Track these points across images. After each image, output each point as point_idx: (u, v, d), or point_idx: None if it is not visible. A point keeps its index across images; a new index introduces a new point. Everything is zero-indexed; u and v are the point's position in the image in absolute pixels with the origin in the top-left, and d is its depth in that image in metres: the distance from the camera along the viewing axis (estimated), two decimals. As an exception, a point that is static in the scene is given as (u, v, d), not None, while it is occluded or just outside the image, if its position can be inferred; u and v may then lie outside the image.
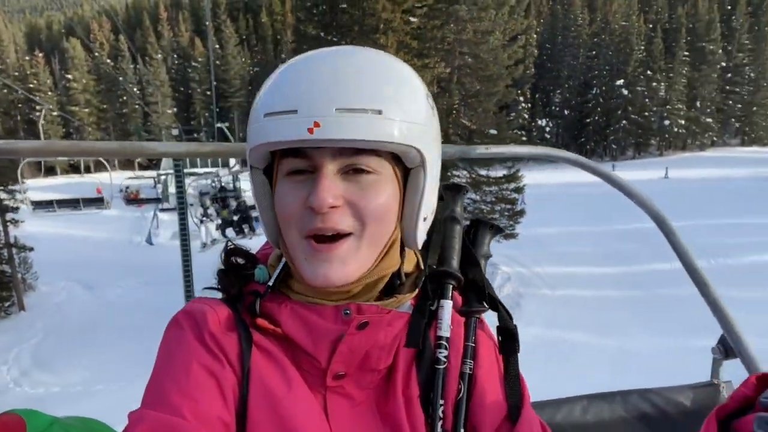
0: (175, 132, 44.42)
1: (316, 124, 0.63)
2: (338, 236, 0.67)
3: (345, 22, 18.96)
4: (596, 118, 61.74)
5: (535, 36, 66.70)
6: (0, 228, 21.29)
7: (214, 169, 24.95)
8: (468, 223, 0.86)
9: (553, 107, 66.15)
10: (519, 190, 19.84)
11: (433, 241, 0.81)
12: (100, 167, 60.72)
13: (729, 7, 66.21)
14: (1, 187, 21.17)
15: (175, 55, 75.44)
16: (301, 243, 0.69)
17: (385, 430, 0.72)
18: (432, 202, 0.75)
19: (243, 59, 72.44)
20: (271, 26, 78.40)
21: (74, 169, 49.81)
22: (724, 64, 62.03)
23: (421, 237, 0.75)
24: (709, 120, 62.07)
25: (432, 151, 0.72)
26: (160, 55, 71.55)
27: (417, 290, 0.77)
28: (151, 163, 40.83)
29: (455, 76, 19.30)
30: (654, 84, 58.69)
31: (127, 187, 36.53)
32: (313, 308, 0.71)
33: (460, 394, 0.73)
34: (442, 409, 0.71)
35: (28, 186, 23.36)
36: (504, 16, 17.99)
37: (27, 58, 65.23)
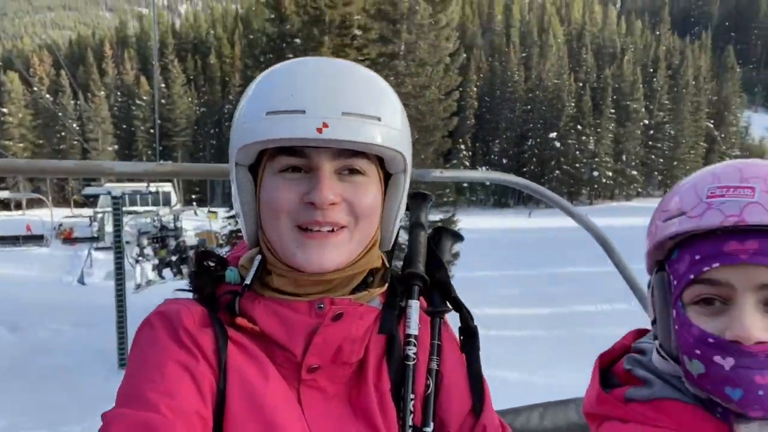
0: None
1: (325, 125, 0.67)
2: (334, 229, 0.71)
3: (290, 72, 19.81)
4: (532, 167, 65.01)
5: (475, 89, 70.47)
6: None
7: (154, 208, 24.63)
8: (432, 230, 0.91)
9: (492, 156, 69.21)
10: (455, 235, 20.78)
11: (398, 245, 0.85)
12: (32, 204, 58.22)
13: (651, 70, 72.31)
14: None
15: (119, 93, 74.20)
16: (293, 232, 0.72)
17: (358, 422, 0.74)
18: (404, 206, 0.81)
19: (189, 99, 72.24)
20: (220, 68, 78.93)
21: (4, 205, 47.56)
22: (646, 121, 67.20)
23: (394, 238, 0.82)
24: (635, 172, 66.55)
25: (410, 159, 0.78)
26: (102, 92, 70.24)
27: (386, 286, 0.81)
28: (88, 200, 39.67)
29: (395, 126, 20.31)
30: (584, 138, 62.71)
31: (61, 224, 35.29)
32: (286, 303, 0.74)
33: (429, 390, 0.77)
34: (412, 403, 0.74)
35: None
36: (440, 72, 19.31)
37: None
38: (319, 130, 0.67)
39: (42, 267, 29.11)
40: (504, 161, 67.86)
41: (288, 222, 0.72)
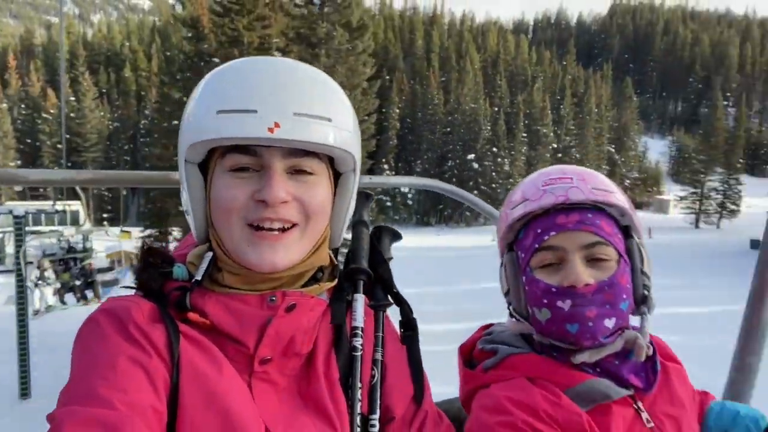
0: (18, 188, 40.61)
1: (276, 125, 0.68)
2: (285, 228, 0.73)
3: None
4: (452, 187, 67.36)
5: (397, 111, 72.41)
6: None
7: (60, 228, 23.29)
8: (373, 228, 0.95)
9: (415, 175, 71.07)
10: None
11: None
12: None
13: (558, 98, 77.46)
14: None
15: (23, 105, 69.63)
16: (245, 230, 0.72)
17: (309, 412, 0.75)
18: (354, 203, 0.84)
19: (102, 113, 68.99)
20: (135, 81, 76.13)
21: None
22: (555, 145, 71.74)
23: (343, 235, 0.85)
24: (546, 192, 70.75)
25: (360, 158, 0.81)
26: (5, 104, 65.72)
27: (335, 281, 0.84)
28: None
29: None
30: (499, 159, 65.98)
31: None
32: (237, 297, 0.75)
33: (374, 379, 0.80)
34: (360, 392, 0.77)
35: None
36: (358, 96, 19.97)
37: None
38: (271, 130, 0.68)
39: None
40: (425, 181, 69.79)
41: (239, 221, 0.72)
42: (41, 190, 53.69)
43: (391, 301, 0.89)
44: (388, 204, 66.63)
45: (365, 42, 20.18)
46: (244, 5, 18.63)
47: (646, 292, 0.93)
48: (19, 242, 15.06)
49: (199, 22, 20.89)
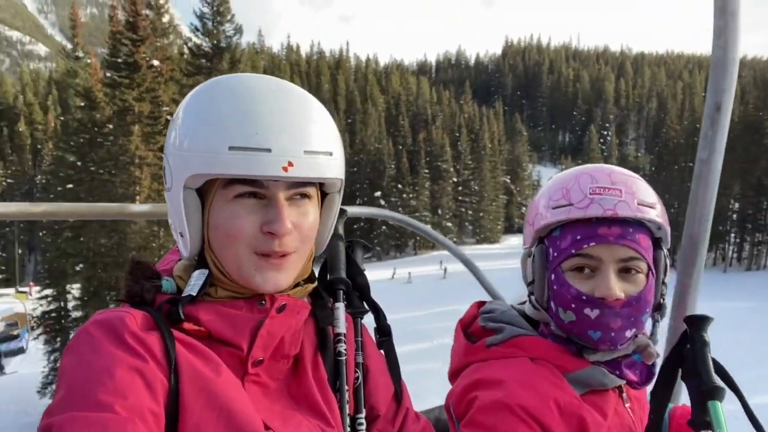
0: None
1: (290, 164, 0.72)
2: (286, 254, 0.78)
3: (102, 156, 21.03)
4: (362, 224, 70.19)
5: (304, 154, 74.76)
6: None
7: None
8: (347, 242, 1.02)
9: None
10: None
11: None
12: None
13: (457, 134, 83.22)
14: None
15: None
16: (251, 257, 0.76)
17: (302, 410, 0.80)
18: (336, 220, 0.91)
19: (-6, 170, 66.18)
20: (31, 135, 73.65)
21: None
22: (455, 179, 76.86)
23: (324, 247, 0.92)
24: (449, 224, 75.20)
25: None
26: None
27: (315, 283, 0.90)
28: None
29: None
30: (404, 195, 69.81)
31: None
32: (228, 303, 0.79)
33: (358, 381, 0.88)
34: (348, 394, 0.84)
35: None
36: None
37: None
38: (285, 169, 0.71)
39: None
40: (335, 220, 72.29)
41: (246, 249, 0.76)
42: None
43: (368, 308, 0.96)
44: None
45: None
46: (134, 79, 20.31)
47: (662, 300, 0.99)
48: None
49: (91, 92, 22.26)
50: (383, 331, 0.97)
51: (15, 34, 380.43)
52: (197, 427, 0.68)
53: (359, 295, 0.96)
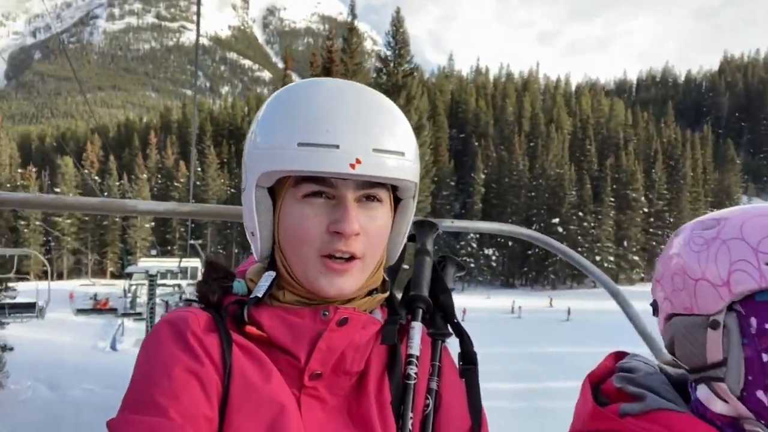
0: (153, 253, 48.77)
1: (358, 161, 0.70)
2: (352, 258, 0.75)
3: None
4: (536, 250, 68.56)
5: (482, 176, 75.78)
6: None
7: (181, 282, 28.78)
8: (438, 257, 0.95)
9: (499, 239, 73.18)
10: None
11: (395, 268, 0.91)
12: (72, 275, 63.82)
13: (651, 161, 76.77)
14: None
15: (159, 175, 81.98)
16: (318, 260, 0.74)
17: (357, 431, 0.76)
18: (410, 227, 0.86)
19: (222, 181, 79.19)
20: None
21: (46, 275, 52.74)
22: (646, 209, 70.82)
23: (398, 256, 0.88)
24: (636, 258, 69.43)
25: (418, 185, 0.83)
26: (145, 175, 77.95)
27: (387, 293, 0.85)
28: (123, 273, 44.63)
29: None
30: (585, 224, 66.50)
31: (96, 295, 39.56)
32: (292, 311, 0.77)
33: (428, 409, 0.79)
34: (411, 422, 0.76)
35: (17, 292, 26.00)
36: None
37: (20, 170, 70.63)
38: (353, 166, 0.70)
39: (78, 333, 33.22)
40: (510, 244, 71.70)
41: (313, 251, 0.74)
42: (169, 247, 62.67)
43: (451, 331, 0.87)
44: (472, 265, 69.01)
45: (422, 139, 24.37)
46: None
47: None
48: (151, 295, 19.56)
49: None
50: (468, 358, 0.87)
51: (247, 63, 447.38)
52: None
53: (442, 316, 0.89)
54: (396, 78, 24.00)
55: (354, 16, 25.45)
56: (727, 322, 0.74)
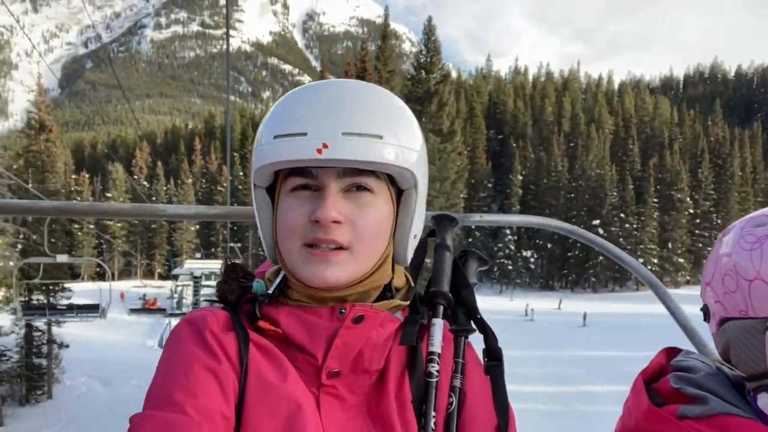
0: (197, 255, 50.79)
1: (325, 146, 0.70)
2: (336, 248, 0.74)
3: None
4: (576, 252, 67.59)
5: (520, 178, 75.15)
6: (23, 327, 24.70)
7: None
8: (460, 252, 0.93)
9: (538, 241, 72.41)
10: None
11: (418, 264, 0.91)
12: (123, 276, 66.80)
13: (698, 160, 74.47)
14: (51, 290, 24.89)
15: (203, 180, 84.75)
16: (301, 250, 0.75)
17: (377, 430, 0.74)
18: (421, 221, 0.84)
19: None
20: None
21: (99, 276, 55.57)
22: (692, 210, 68.78)
23: (410, 253, 0.84)
24: (681, 260, 67.52)
25: (424, 175, 0.81)
26: (190, 180, 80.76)
27: (408, 302, 0.83)
28: (170, 275, 46.61)
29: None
30: (627, 225, 65.12)
31: (144, 295, 41.54)
32: (310, 310, 0.76)
33: (451, 407, 0.76)
34: (434, 421, 0.74)
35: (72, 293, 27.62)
36: (447, 187, 24.47)
37: (73, 176, 74.31)
38: (319, 151, 0.70)
39: (128, 332, 35.04)
40: (549, 246, 70.90)
41: (297, 241, 0.75)
42: (213, 249, 64.75)
43: (474, 327, 0.85)
44: (510, 267, 68.56)
45: (454, 144, 24.79)
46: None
47: None
48: (196, 295, 20.34)
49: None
50: (493, 354, 0.83)
51: (287, 67, 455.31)
52: (256, 431, 0.68)
53: (465, 312, 0.85)
54: (428, 85, 24.48)
55: (387, 25, 26.08)
56: None
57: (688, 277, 68.87)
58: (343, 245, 0.74)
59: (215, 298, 0.83)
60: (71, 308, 22.42)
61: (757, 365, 0.70)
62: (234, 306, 0.80)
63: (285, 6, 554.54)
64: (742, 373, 0.73)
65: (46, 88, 29.30)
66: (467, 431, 0.79)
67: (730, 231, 0.77)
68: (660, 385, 0.80)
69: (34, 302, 23.93)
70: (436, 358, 0.78)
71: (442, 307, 0.83)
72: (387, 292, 0.83)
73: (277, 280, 0.80)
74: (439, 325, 0.81)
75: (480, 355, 0.86)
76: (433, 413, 0.75)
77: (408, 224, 0.82)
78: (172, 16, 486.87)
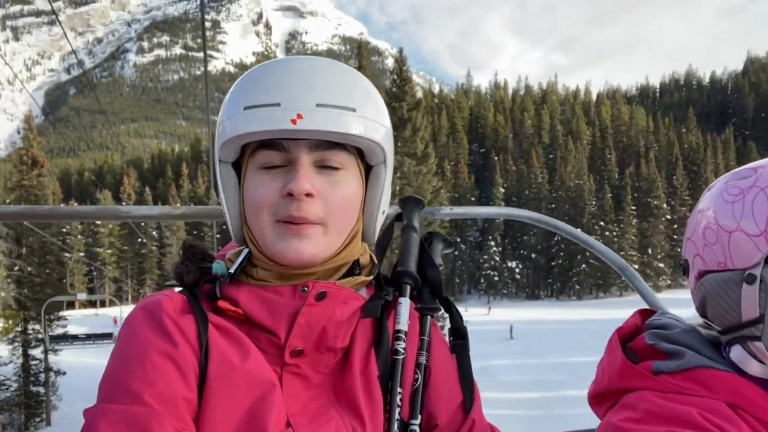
0: None
1: (299, 116, 0.69)
2: (309, 224, 0.73)
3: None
4: (560, 261, 69.32)
5: (502, 190, 76.97)
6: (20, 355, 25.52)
7: None
8: (426, 233, 0.94)
9: (523, 251, 74.10)
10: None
11: (383, 247, 0.90)
12: (113, 302, 67.18)
13: (673, 168, 76.82)
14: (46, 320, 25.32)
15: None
16: (274, 226, 0.73)
17: (341, 408, 0.73)
18: (388, 197, 0.83)
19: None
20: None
21: (91, 303, 56.07)
22: (669, 216, 70.86)
23: (378, 229, 0.84)
24: (661, 265, 69.41)
25: (391, 151, 0.81)
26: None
27: (372, 278, 0.82)
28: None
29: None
30: (607, 233, 66.97)
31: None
32: (271, 288, 0.75)
33: (417, 383, 0.78)
34: (400, 397, 0.75)
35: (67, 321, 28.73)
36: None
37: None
38: (294, 122, 0.69)
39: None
40: (533, 255, 72.56)
41: (269, 217, 0.73)
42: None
43: (440, 306, 0.86)
44: (496, 278, 70.03)
45: (429, 166, 26.28)
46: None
47: None
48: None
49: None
50: (458, 332, 0.86)
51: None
52: (216, 412, 0.67)
53: (431, 291, 0.87)
54: (402, 112, 26.01)
55: (360, 54, 27.65)
56: (764, 276, 0.68)
57: (669, 281, 70.75)
58: (315, 221, 0.73)
59: (173, 282, 0.81)
60: (90, 337, 27.29)
61: (732, 317, 0.71)
62: (192, 288, 0.78)
63: (267, 27, 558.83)
64: (717, 326, 0.73)
65: (28, 115, 30.62)
66: (432, 407, 0.79)
67: (714, 186, 0.76)
68: (635, 343, 0.79)
69: (53, 333, 26.31)
70: (402, 336, 0.79)
71: (409, 287, 0.83)
72: (355, 269, 0.82)
73: (239, 260, 0.78)
74: (405, 304, 0.81)
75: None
76: (399, 389, 0.75)
77: (377, 200, 0.81)
78: (155, 40, 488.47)
